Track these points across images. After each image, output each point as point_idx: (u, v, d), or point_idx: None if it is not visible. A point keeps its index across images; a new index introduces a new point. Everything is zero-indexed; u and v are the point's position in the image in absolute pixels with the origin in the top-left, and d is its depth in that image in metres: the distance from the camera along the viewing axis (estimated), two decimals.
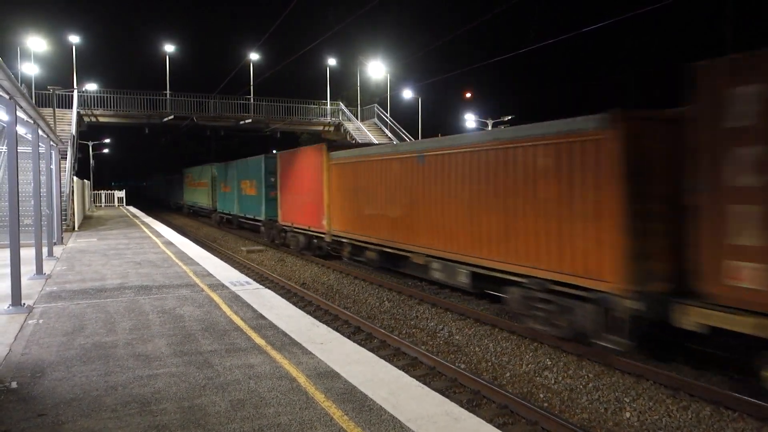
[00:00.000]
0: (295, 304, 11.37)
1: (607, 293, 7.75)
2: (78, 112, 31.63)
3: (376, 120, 39.70)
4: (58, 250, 15.04)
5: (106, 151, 60.13)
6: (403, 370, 6.36)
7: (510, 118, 32.55)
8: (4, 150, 14.13)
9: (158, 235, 19.86)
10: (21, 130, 11.68)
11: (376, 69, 38.89)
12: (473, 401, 7.13)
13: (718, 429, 6.27)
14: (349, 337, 8.80)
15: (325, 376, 5.19)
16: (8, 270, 7.84)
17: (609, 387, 7.39)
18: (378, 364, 5.55)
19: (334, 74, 43.20)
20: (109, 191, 50.19)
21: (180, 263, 12.59)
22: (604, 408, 6.92)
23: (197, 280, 10.34)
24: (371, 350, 8.39)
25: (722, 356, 7.71)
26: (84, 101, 33.65)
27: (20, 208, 7.89)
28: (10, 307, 7.82)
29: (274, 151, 24.50)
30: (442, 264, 11.57)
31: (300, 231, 19.43)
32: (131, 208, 42.10)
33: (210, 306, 8.22)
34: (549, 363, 8.33)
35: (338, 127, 40.39)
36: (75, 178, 24.39)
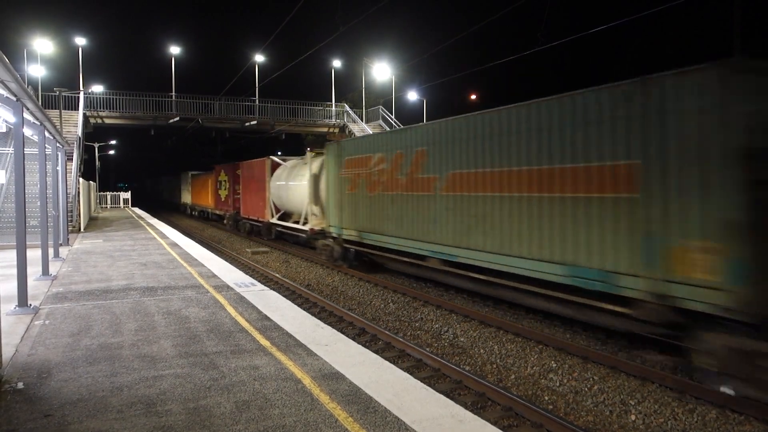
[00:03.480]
0: (300, 305, 11.38)
1: None
2: (84, 114, 31.78)
3: (380, 122, 39.71)
4: (64, 251, 15.11)
5: (111, 152, 60.40)
6: (408, 372, 6.35)
7: None
8: (10, 151, 14.20)
9: (163, 236, 19.92)
10: (28, 131, 11.76)
11: (382, 71, 38.90)
12: (478, 403, 7.11)
13: None
14: (353, 339, 8.80)
15: (330, 378, 5.19)
16: (15, 271, 7.89)
17: (614, 389, 7.36)
18: (383, 366, 5.55)
19: (340, 76, 43.32)
20: (115, 193, 50.38)
21: (185, 264, 12.63)
22: (610, 411, 6.89)
23: (202, 282, 10.37)
24: (376, 352, 8.38)
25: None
26: (90, 103, 33.84)
27: (27, 210, 7.92)
28: (17, 308, 7.86)
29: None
30: None
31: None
32: (137, 210, 42.23)
33: (215, 307, 8.23)
34: (554, 365, 8.30)
35: (343, 128, 40.44)
36: (81, 179, 24.48)
